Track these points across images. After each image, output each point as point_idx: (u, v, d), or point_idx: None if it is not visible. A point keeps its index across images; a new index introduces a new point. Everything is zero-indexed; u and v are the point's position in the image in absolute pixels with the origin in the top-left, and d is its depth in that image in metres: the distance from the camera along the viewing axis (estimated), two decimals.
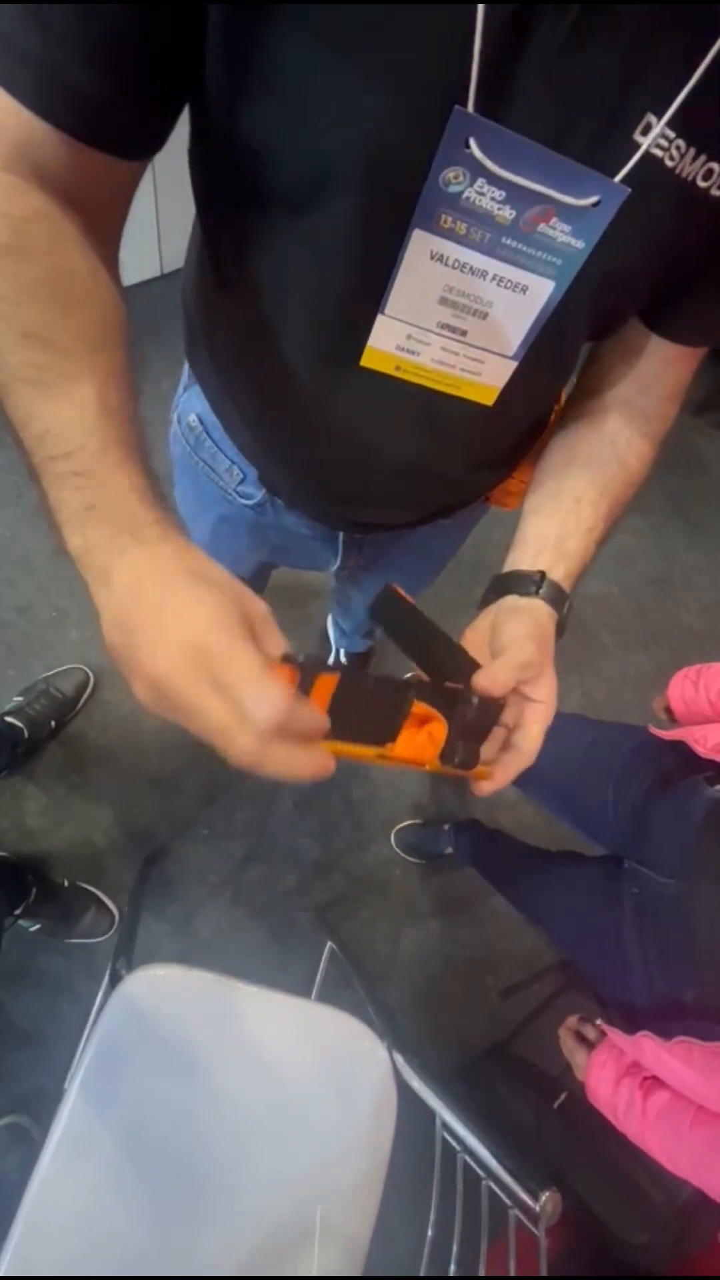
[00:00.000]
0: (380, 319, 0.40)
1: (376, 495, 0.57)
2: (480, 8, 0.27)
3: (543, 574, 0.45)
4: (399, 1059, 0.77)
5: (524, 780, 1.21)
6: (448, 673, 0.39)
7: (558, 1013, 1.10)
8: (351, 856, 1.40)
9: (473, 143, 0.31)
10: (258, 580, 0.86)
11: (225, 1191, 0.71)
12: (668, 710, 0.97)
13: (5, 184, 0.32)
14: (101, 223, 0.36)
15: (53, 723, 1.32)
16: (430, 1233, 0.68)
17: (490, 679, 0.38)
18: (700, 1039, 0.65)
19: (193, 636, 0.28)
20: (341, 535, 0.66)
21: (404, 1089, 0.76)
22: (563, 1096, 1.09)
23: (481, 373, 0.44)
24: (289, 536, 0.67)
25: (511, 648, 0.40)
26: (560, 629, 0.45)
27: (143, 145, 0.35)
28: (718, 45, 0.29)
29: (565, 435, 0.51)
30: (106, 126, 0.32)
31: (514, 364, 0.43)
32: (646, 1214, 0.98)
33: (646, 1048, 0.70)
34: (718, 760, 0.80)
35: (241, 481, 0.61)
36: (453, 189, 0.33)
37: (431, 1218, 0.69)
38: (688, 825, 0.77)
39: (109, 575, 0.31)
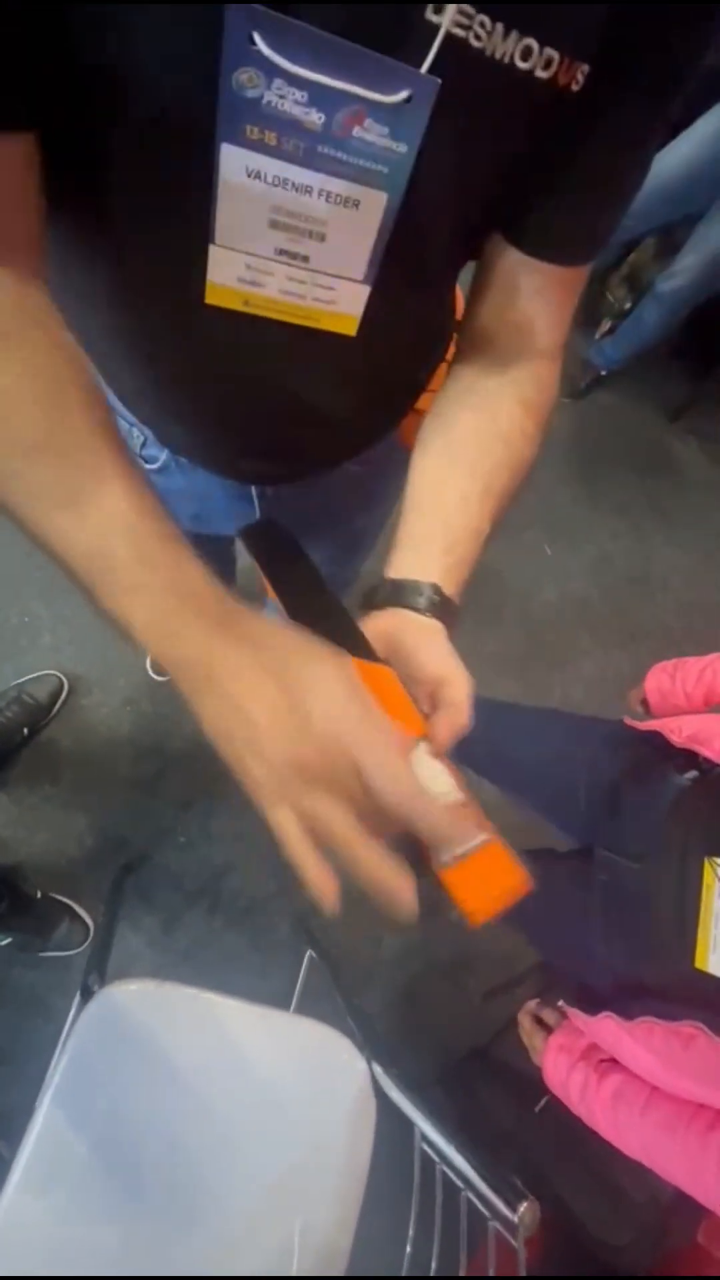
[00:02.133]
0: (213, 249, 0.37)
1: (268, 440, 0.54)
2: None
3: (436, 587, 0.41)
4: (378, 1070, 0.76)
5: (498, 772, 1.21)
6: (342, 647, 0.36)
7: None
8: (332, 861, 1.39)
9: (258, 38, 0.28)
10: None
11: (201, 1206, 0.69)
12: (644, 703, 0.98)
13: None
14: (12, 215, 0.32)
15: (25, 730, 1.29)
16: (409, 1245, 0.67)
17: (454, 728, 0.37)
18: (662, 1020, 0.65)
19: (331, 709, 0.29)
20: (254, 491, 0.63)
21: (382, 1099, 0.75)
22: (544, 1100, 1.09)
23: (336, 300, 0.41)
24: (203, 501, 0.64)
25: (453, 679, 0.39)
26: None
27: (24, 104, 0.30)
28: None
29: (447, 410, 0.47)
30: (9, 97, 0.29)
31: (367, 288, 0.40)
32: (628, 1214, 0.99)
33: (607, 1028, 0.70)
34: (691, 749, 0.81)
35: (144, 445, 0.59)
36: (249, 93, 0.30)
37: (410, 1229, 0.69)
38: (657, 810, 0.78)
39: (212, 675, 0.31)
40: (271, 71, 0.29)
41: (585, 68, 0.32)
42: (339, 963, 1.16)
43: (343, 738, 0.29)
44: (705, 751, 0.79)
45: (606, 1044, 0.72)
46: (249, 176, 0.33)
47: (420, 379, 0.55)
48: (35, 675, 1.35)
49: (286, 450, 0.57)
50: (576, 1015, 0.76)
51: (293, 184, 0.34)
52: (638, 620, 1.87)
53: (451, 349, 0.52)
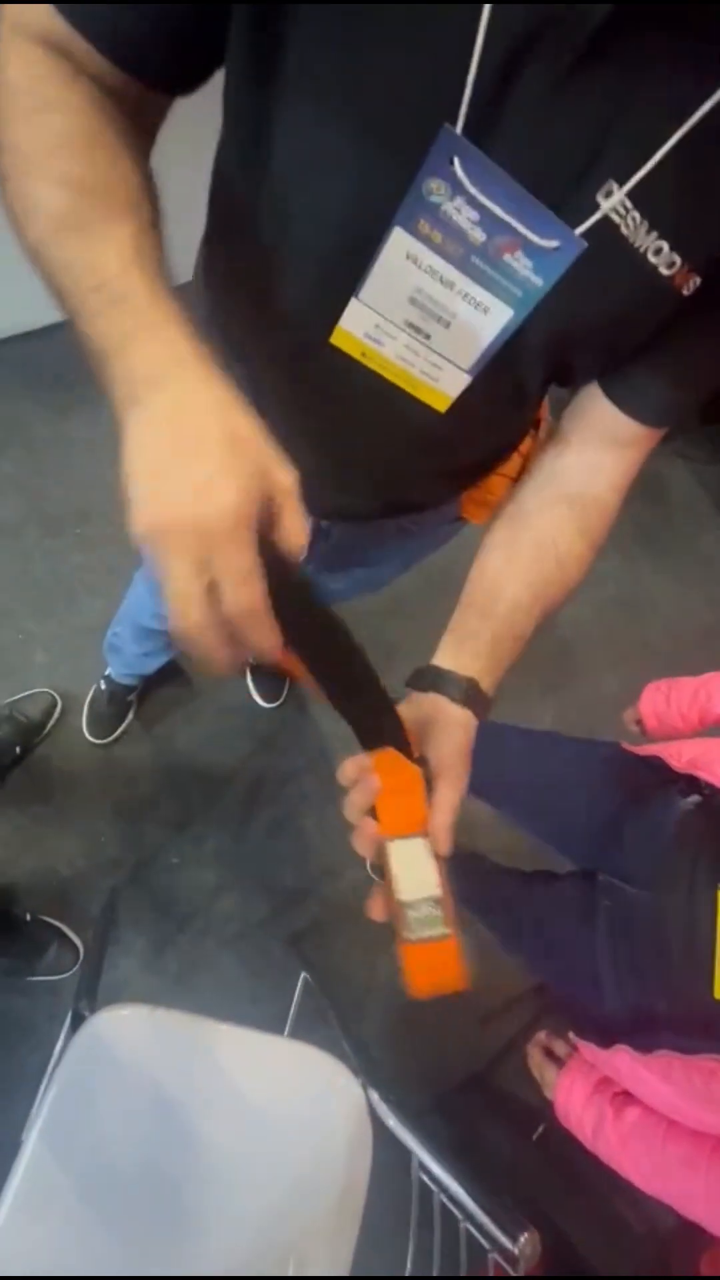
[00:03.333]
0: (354, 302, 0.42)
1: (335, 477, 0.57)
2: (479, 37, 0.30)
3: (473, 682, 0.46)
4: (374, 1096, 0.75)
5: (498, 797, 1.20)
6: (376, 730, 0.39)
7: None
8: (326, 883, 1.38)
9: (456, 161, 0.34)
10: None
11: (195, 1237, 0.68)
12: (639, 723, 0.99)
13: (43, 59, 0.35)
14: (137, 125, 0.37)
15: (17, 749, 1.28)
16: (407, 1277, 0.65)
17: (440, 831, 0.40)
18: (680, 1053, 0.65)
19: (206, 512, 0.28)
20: (309, 521, 0.66)
21: (379, 1127, 0.74)
22: (540, 1128, 1.07)
23: (438, 379, 0.47)
24: None
25: (451, 778, 0.42)
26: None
27: (179, 85, 0.38)
28: (678, 134, 0.32)
29: (512, 529, 0.52)
30: (149, 65, 0.36)
31: (468, 378, 0.46)
32: (628, 1246, 0.97)
33: (622, 1061, 0.69)
34: (692, 774, 0.81)
35: None
36: (433, 199, 0.36)
37: (409, 1261, 0.67)
38: (661, 837, 0.78)
39: (146, 402, 0.30)
40: (457, 189, 0.35)
41: (698, 280, 0.38)
42: (333, 986, 1.15)
43: (201, 537, 0.28)
44: (706, 777, 0.79)
45: (621, 1077, 0.71)
46: (407, 258, 0.39)
47: (488, 465, 0.60)
48: (28, 693, 1.34)
49: (353, 490, 0.61)
50: (588, 1048, 0.75)
51: (441, 277, 0.40)
52: (628, 642, 1.89)
53: (526, 442, 0.58)
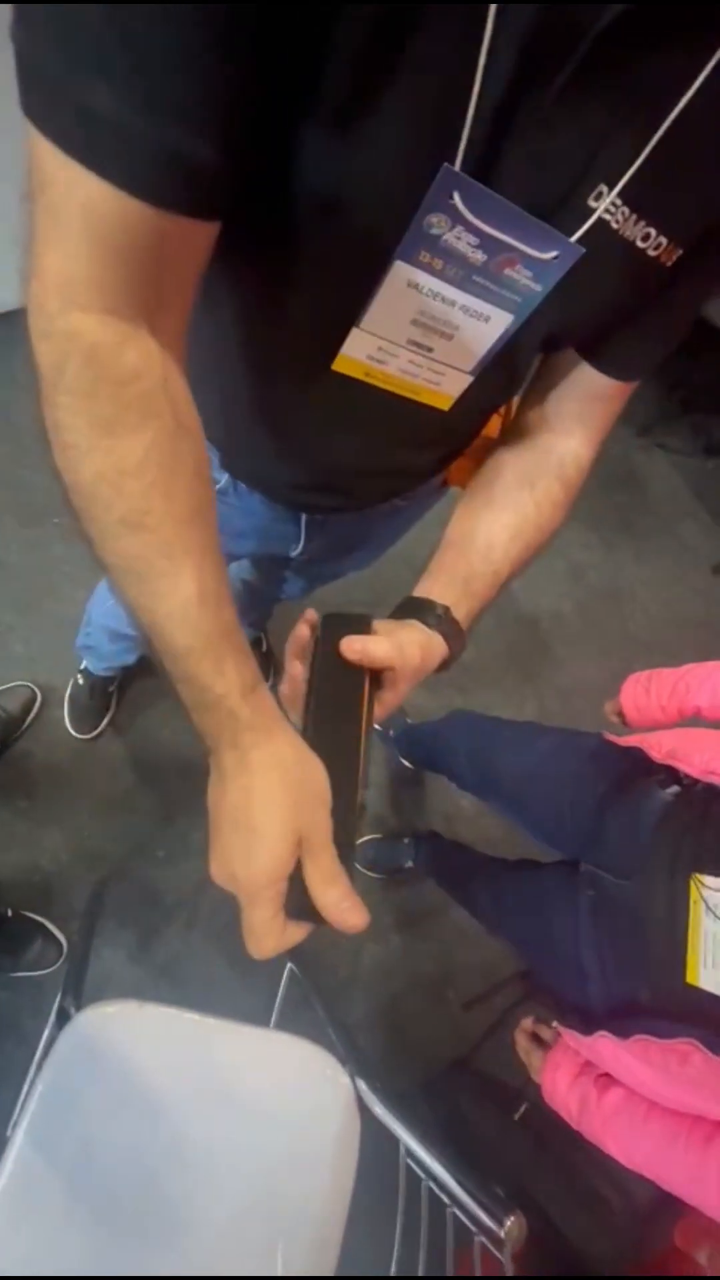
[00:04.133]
0: (355, 331, 0.43)
1: (338, 485, 0.61)
2: (477, 79, 0.30)
3: (446, 609, 0.49)
4: (361, 1085, 0.75)
5: (481, 787, 1.21)
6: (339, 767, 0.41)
7: (518, 1023, 1.11)
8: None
9: (456, 195, 0.35)
10: None
11: (183, 1230, 0.68)
12: (620, 715, 1.00)
13: (98, 340, 0.32)
14: (178, 289, 0.36)
15: None
16: (395, 1264, 0.66)
17: (360, 646, 0.42)
18: (657, 1037, 0.66)
19: (251, 875, 0.36)
20: (304, 518, 0.67)
21: (367, 1115, 0.75)
22: (523, 1108, 1.10)
23: (440, 383, 0.48)
24: (251, 519, 0.67)
25: (399, 640, 0.44)
26: (446, 663, 0.49)
27: (233, 200, 0.34)
28: (661, 130, 0.34)
29: (493, 472, 0.54)
30: (211, 192, 0.32)
31: (470, 378, 0.48)
32: (606, 1221, 1.00)
33: (603, 1047, 0.71)
34: (672, 765, 0.82)
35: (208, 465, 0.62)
36: (434, 231, 0.36)
37: (396, 1247, 0.68)
38: (642, 827, 0.79)
39: (222, 767, 0.38)
40: (458, 220, 0.36)
41: (680, 250, 0.40)
42: (319, 976, 1.16)
43: (241, 891, 0.37)
44: (684, 767, 0.81)
45: (603, 1061, 0.73)
46: (408, 286, 0.40)
47: (479, 432, 0.61)
48: (7, 686, 1.32)
49: (355, 492, 0.63)
50: (572, 1036, 0.77)
51: (442, 297, 0.41)
52: (609, 632, 1.91)
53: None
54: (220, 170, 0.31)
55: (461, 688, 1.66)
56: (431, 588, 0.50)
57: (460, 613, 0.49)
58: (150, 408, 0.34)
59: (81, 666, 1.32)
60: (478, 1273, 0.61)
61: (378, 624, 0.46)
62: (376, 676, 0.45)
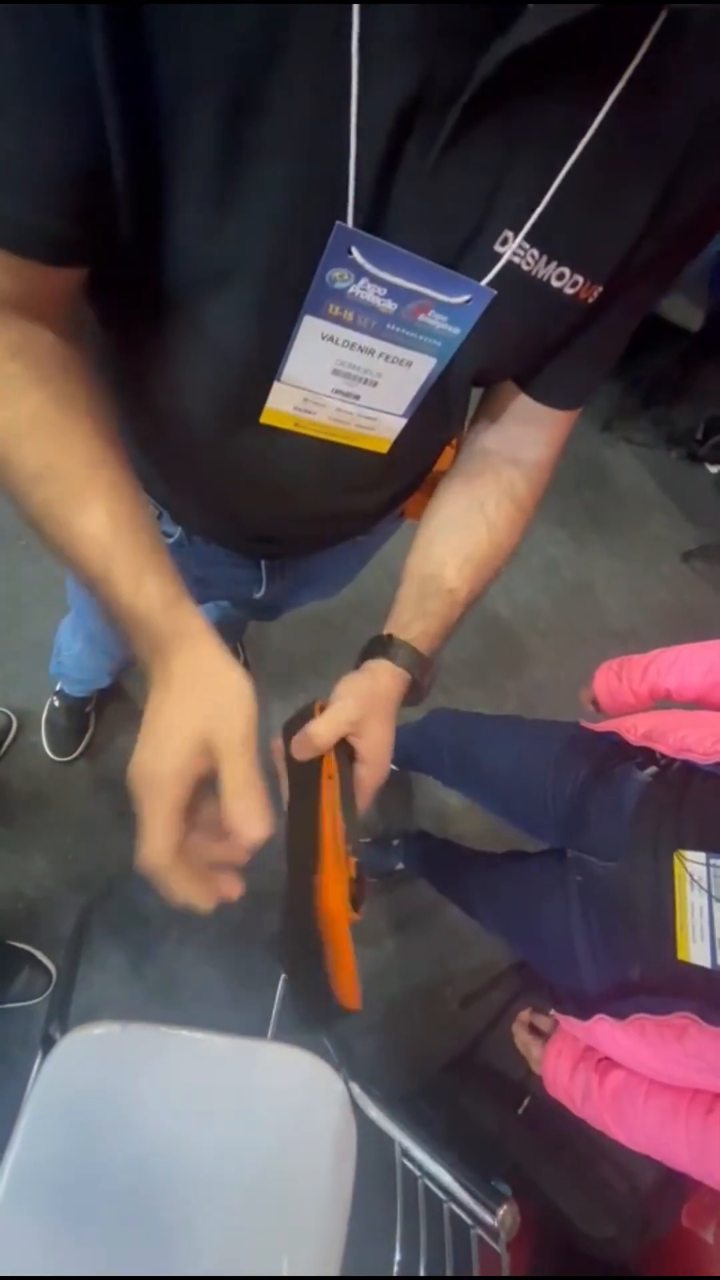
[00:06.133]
0: (276, 385, 0.43)
1: (289, 533, 0.61)
2: (352, 134, 0.31)
3: (390, 636, 0.49)
4: (355, 1089, 0.75)
5: (465, 782, 1.22)
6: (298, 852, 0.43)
7: (515, 1016, 1.12)
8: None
9: (354, 250, 0.35)
10: None
11: (183, 1248, 0.67)
12: (594, 702, 1.02)
13: None
14: (56, 306, 0.38)
15: None
16: (397, 1267, 0.66)
17: (301, 738, 0.43)
18: (652, 1014, 0.67)
19: (152, 773, 0.36)
20: (264, 563, 0.67)
21: (362, 1119, 0.75)
22: (526, 1100, 1.10)
23: (375, 428, 0.48)
24: (211, 568, 0.67)
25: (332, 705, 0.45)
26: (416, 686, 0.49)
27: (90, 252, 0.37)
28: (562, 173, 0.34)
29: (443, 498, 0.55)
30: (72, 252, 0.35)
31: (404, 420, 0.48)
32: (612, 1206, 1.00)
33: (602, 1030, 0.71)
34: (648, 747, 0.84)
35: (157, 519, 0.62)
36: (339, 285, 0.37)
37: (397, 1246, 0.68)
38: (623, 810, 0.80)
39: (151, 682, 0.38)
40: (360, 273, 0.36)
41: (600, 288, 0.40)
42: None
43: (144, 791, 0.36)
44: (660, 747, 0.82)
45: (602, 1046, 0.73)
46: (322, 339, 0.40)
47: (428, 471, 0.62)
48: None
49: (305, 538, 0.63)
50: (570, 1023, 0.77)
51: (359, 347, 0.41)
52: (584, 624, 1.94)
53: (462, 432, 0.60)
54: (76, 238, 0.34)
55: (444, 688, 1.67)
56: (389, 623, 0.50)
57: (414, 633, 0.49)
58: (35, 375, 0.36)
59: (58, 688, 1.30)
60: (476, 1264, 0.61)
61: (336, 694, 0.46)
62: (348, 753, 0.45)
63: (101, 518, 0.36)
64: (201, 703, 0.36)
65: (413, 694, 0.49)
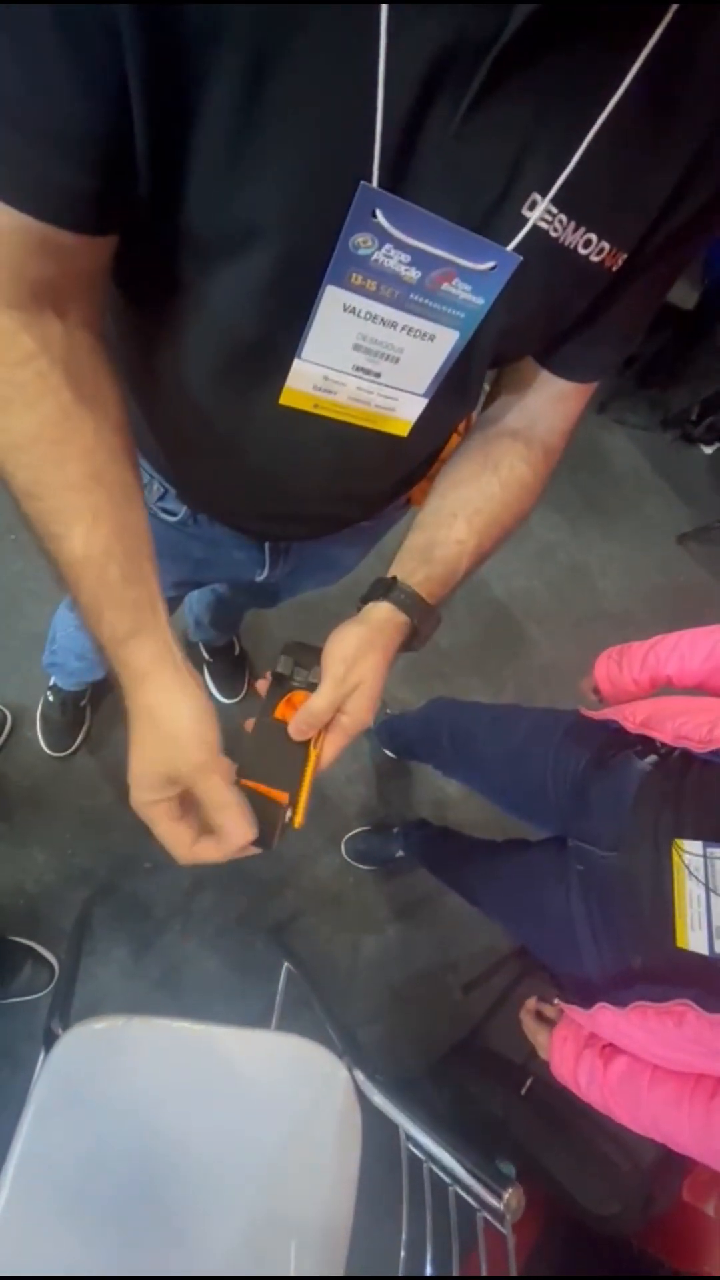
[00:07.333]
0: (297, 363, 0.42)
1: (297, 514, 0.60)
2: (380, 89, 0.30)
3: (393, 579, 0.49)
4: (359, 1076, 0.76)
5: (467, 772, 1.22)
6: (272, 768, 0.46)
7: (518, 1001, 1.12)
8: (302, 871, 1.38)
9: (379, 213, 0.34)
10: (172, 604, 0.84)
11: (191, 1239, 0.67)
12: (596, 690, 1.01)
13: None
14: (81, 287, 0.38)
15: None
16: (404, 1249, 0.67)
17: (295, 726, 0.46)
18: (653, 1002, 0.67)
19: (137, 805, 0.41)
20: (268, 545, 0.67)
21: (367, 1105, 0.75)
22: (529, 1082, 1.11)
23: (395, 409, 0.47)
24: (214, 548, 0.67)
25: (325, 676, 0.46)
26: (416, 632, 0.49)
27: (118, 219, 0.36)
28: (590, 134, 0.33)
29: (456, 460, 0.55)
30: (93, 213, 0.34)
31: (425, 400, 0.47)
32: (616, 1184, 1.01)
33: (604, 1018, 0.72)
34: (647, 734, 0.84)
35: (162, 497, 0.61)
36: (362, 252, 0.36)
37: (404, 1232, 0.69)
38: (624, 798, 0.80)
39: (130, 701, 0.41)
40: (384, 238, 0.35)
41: (625, 255, 0.40)
42: (317, 972, 1.15)
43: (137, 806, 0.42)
44: (659, 735, 0.81)
45: (605, 1032, 0.74)
46: (344, 311, 0.39)
47: (438, 454, 0.61)
48: None
49: (314, 521, 0.63)
50: (574, 1011, 0.78)
51: (381, 320, 0.40)
52: (583, 609, 1.94)
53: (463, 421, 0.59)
54: (108, 200, 0.34)
55: (442, 675, 1.66)
56: (394, 567, 0.50)
57: (418, 579, 0.48)
58: (45, 385, 0.37)
59: (51, 683, 1.29)
60: (482, 1246, 0.61)
61: (329, 649, 0.47)
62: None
63: (76, 545, 0.38)
64: (158, 742, 0.40)
65: (414, 641, 0.49)
